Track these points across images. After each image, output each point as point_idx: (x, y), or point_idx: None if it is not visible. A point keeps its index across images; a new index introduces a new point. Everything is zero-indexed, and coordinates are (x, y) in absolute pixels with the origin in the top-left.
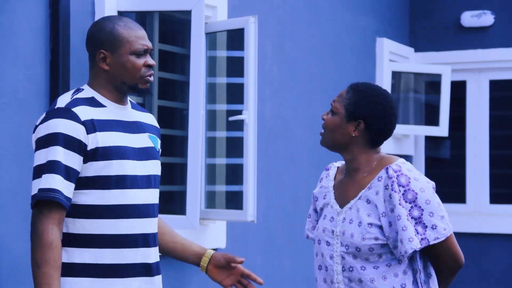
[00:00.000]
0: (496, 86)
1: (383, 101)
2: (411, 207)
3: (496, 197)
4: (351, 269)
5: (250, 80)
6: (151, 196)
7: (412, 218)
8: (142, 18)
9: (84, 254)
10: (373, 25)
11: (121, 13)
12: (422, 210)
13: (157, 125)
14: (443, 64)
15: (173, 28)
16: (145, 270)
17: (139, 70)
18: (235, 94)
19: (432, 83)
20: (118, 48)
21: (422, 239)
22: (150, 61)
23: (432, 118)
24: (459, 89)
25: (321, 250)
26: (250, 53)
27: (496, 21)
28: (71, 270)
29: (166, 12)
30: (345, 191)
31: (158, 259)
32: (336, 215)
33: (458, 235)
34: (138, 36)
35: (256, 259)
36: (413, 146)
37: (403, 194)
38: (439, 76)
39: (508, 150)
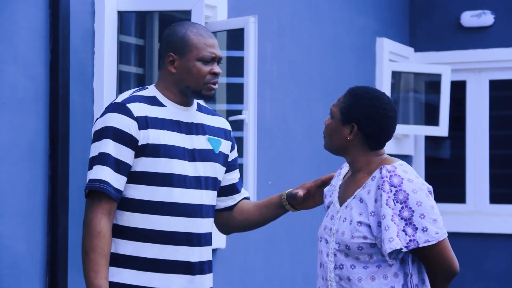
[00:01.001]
0: (496, 86)
1: (376, 103)
2: (402, 207)
3: (496, 197)
4: (341, 266)
5: (250, 80)
6: (200, 196)
7: (402, 219)
8: (142, 18)
9: (127, 246)
10: (373, 25)
11: (121, 13)
12: (413, 211)
13: (227, 127)
14: (443, 64)
15: None
16: (186, 268)
17: (203, 76)
18: (235, 94)
19: (432, 83)
20: (186, 53)
21: (410, 240)
22: (216, 69)
23: (432, 118)
24: (459, 89)
25: (320, 248)
26: (250, 53)
27: (496, 21)
28: (116, 260)
29: (166, 12)
30: (346, 191)
31: (203, 259)
32: (336, 213)
33: (458, 235)
34: (207, 43)
35: (256, 259)
36: (413, 146)
37: (394, 194)
38: (439, 76)
39: (508, 150)
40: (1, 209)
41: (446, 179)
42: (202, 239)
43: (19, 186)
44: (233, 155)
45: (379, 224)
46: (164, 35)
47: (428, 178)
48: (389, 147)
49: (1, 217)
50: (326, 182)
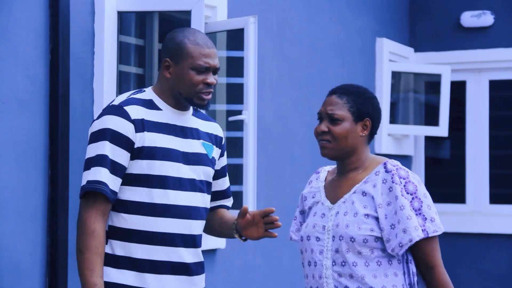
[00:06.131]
0: (496, 86)
1: (372, 95)
2: (412, 198)
3: (496, 197)
4: (343, 263)
5: (250, 80)
6: (194, 199)
7: (413, 209)
8: (142, 18)
9: (124, 247)
10: (373, 25)
11: (121, 13)
12: (422, 202)
13: (220, 134)
14: (443, 64)
15: (173, 28)
16: (183, 269)
17: (195, 85)
18: (235, 94)
19: (432, 83)
20: (181, 61)
21: (422, 230)
22: (210, 79)
23: (431, 118)
24: (459, 89)
25: (310, 246)
26: (250, 53)
27: (496, 21)
28: (113, 261)
29: (166, 12)
30: (337, 189)
31: (198, 259)
32: (328, 211)
33: (458, 235)
34: (203, 53)
35: (256, 259)
36: (412, 146)
37: (404, 186)
38: (438, 76)
39: (508, 150)
40: (1, 209)
41: (446, 179)
42: (197, 241)
43: (19, 186)
44: (222, 162)
45: (386, 216)
46: (164, 39)
47: (428, 178)
48: (389, 147)
49: (1, 217)
50: (267, 215)
